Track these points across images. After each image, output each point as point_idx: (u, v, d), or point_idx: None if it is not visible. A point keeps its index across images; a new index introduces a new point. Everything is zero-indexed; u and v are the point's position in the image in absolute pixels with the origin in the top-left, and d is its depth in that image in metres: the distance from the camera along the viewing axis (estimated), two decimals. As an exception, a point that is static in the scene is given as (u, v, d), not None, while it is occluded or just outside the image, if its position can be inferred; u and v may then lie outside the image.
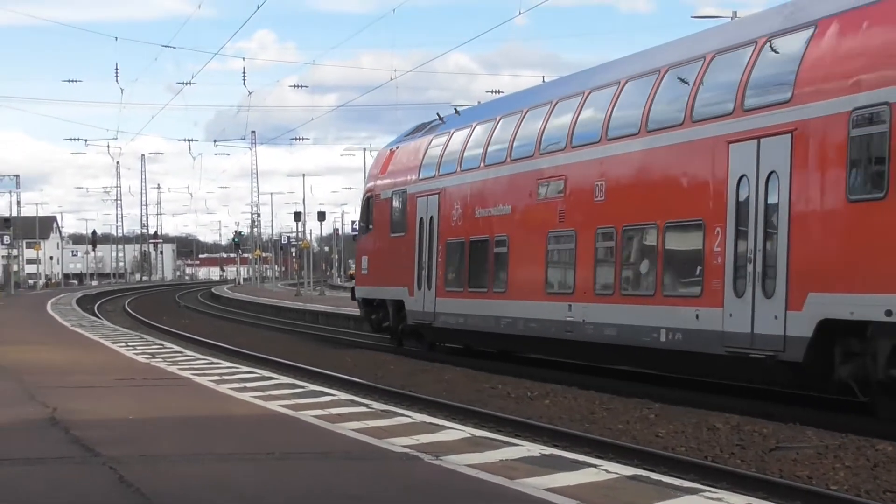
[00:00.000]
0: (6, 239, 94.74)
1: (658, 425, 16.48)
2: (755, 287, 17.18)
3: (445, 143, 29.00)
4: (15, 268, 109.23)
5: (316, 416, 14.18)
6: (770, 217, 17.08)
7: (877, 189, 15.12)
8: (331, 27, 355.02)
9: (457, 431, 13.25)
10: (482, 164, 26.61)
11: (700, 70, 19.36)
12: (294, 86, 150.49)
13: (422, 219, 29.19)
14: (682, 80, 19.81)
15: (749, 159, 17.51)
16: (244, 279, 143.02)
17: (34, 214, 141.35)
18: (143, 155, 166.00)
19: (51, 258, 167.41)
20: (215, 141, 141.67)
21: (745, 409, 17.24)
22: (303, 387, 18.63)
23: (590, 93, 22.94)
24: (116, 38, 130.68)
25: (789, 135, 16.69)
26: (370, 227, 32.91)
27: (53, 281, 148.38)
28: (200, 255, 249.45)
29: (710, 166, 18.46)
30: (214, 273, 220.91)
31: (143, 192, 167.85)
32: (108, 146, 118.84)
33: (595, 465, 10.87)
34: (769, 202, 17.11)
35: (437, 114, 31.32)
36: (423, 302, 28.74)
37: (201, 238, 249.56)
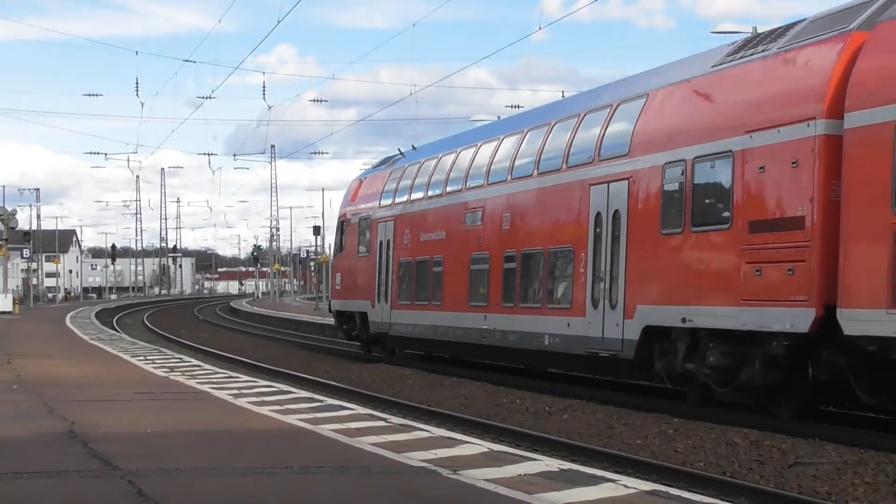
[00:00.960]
0: (26, 252, 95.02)
1: (677, 440, 16.45)
2: (605, 301, 21.62)
3: (400, 175, 33.37)
4: (34, 281, 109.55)
5: (334, 430, 14.18)
6: (615, 245, 21.47)
7: (677, 225, 19.60)
8: (350, 42, 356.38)
9: (475, 446, 13.24)
10: (426, 195, 30.97)
11: (575, 125, 23.88)
12: (314, 100, 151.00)
13: (381, 241, 33.45)
14: (563, 132, 24.26)
15: (602, 199, 21.95)
16: (263, 293, 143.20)
17: (54, 228, 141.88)
18: (162, 169, 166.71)
19: (70, 272, 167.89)
20: (235, 155, 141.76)
21: (764, 425, 17.20)
22: (321, 401, 18.64)
23: (503, 138, 27.52)
24: (137, 53, 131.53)
25: (627, 181, 21.20)
26: (343, 248, 37.51)
27: (72, 294, 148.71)
28: (219, 269, 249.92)
29: (578, 203, 22.92)
30: (233, 287, 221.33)
31: (163, 205, 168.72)
32: (128, 160, 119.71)
33: (613, 481, 10.85)
34: (614, 233, 21.50)
35: (399, 149, 35.75)
36: (381, 313, 32.96)
37: (220, 252, 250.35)
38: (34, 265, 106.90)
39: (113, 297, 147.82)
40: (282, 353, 37.56)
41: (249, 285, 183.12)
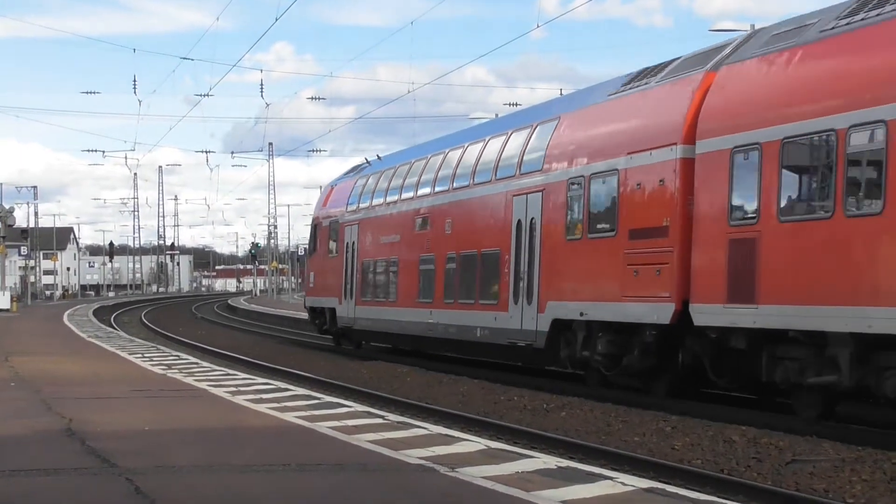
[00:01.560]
0: (23, 250, 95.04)
1: (674, 438, 16.46)
2: (523, 297, 24.82)
3: (364, 183, 36.77)
4: (32, 279, 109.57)
5: (332, 428, 14.19)
6: (531, 249, 24.65)
7: (578, 233, 22.95)
8: (348, 39, 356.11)
9: (472, 443, 13.25)
10: (384, 202, 34.19)
11: (504, 141, 27.11)
12: (311, 98, 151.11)
13: (347, 243, 36.86)
14: (494, 148, 27.51)
15: (522, 208, 25.17)
16: (261, 291, 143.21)
17: (52, 225, 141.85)
18: (160, 166, 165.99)
19: (68, 269, 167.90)
20: (232, 153, 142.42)
21: (761, 422, 17.22)
22: (319, 398, 18.65)
23: (448, 151, 30.69)
24: (134, 50, 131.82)
25: (541, 193, 24.40)
26: (315, 249, 41.01)
27: (70, 292, 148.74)
28: (217, 267, 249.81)
29: (504, 211, 26.08)
30: (231, 285, 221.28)
31: (161, 203, 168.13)
32: (126, 158, 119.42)
33: (611, 478, 10.86)
34: (531, 239, 24.68)
35: (366, 158, 39.33)
36: (347, 309, 36.33)
37: (218, 250, 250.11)
38: (32, 263, 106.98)
39: (111, 294, 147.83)
40: (279, 351, 37.57)
41: (247, 283, 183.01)
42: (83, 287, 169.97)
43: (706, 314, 18.92)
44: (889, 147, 15.69)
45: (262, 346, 40.76)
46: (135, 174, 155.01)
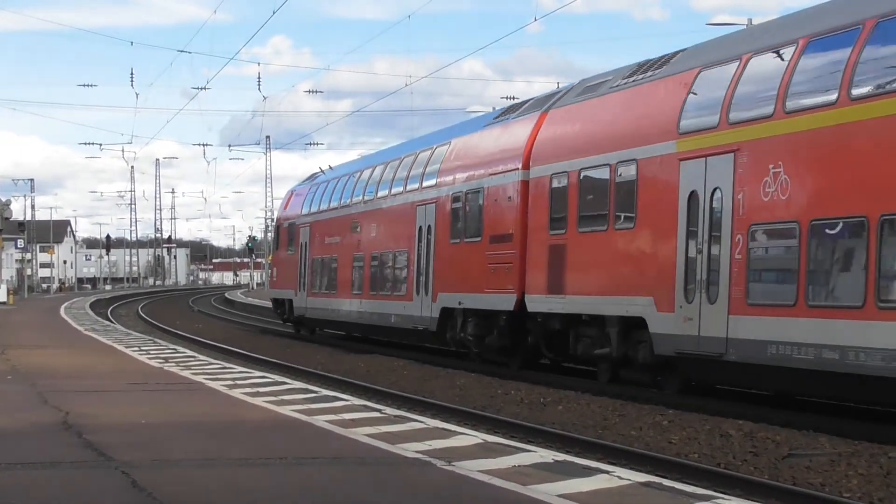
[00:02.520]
0: (20, 243, 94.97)
1: (671, 432, 16.46)
2: (423, 290, 30.05)
3: (316, 189, 42.48)
4: (29, 272, 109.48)
5: (329, 421, 14.19)
6: (428, 250, 29.94)
7: (458, 237, 28.31)
8: (346, 33, 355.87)
9: (469, 437, 13.25)
10: (329, 207, 39.86)
11: (413, 159, 32.60)
12: (309, 91, 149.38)
13: (302, 242, 42.32)
14: (407, 164, 32.86)
15: (423, 216, 30.54)
16: (258, 284, 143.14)
17: (48, 218, 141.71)
18: (157, 159, 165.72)
19: (64, 262, 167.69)
20: (230, 146, 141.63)
21: (758, 416, 17.23)
22: (316, 392, 18.65)
23: (377, 166, 36.29)
24: (132, 43, 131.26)
25: (435, 204, 29.87)
26: (278, 247, 47.19)
27: (67, 285, 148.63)
28: (214, 260, 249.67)
29: (410, 218, 31.41)
30: (228, 278, 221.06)
31: (158, 196, 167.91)
32: (123, 150, 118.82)
33: (608, 472, 10.86)
34: (428, 241, 30.03)
35: (320, 167, 45.82)
36: (301, 300, 41.74)
37: (215, 243, 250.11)
38: (29, 256, 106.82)
39: (107, 287, 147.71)
40: (276, 344, 37.58)
41: (244, 276, 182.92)
42: (80, 280, 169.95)
43: (535, 303, 24.32)
44: (639, 179, 20.88)
45: (258, 339, 40.78)
46: (132, 167, 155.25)
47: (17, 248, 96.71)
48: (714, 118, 19.11)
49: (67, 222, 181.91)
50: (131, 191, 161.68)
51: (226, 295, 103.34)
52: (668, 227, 19.82)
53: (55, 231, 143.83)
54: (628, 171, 21.11)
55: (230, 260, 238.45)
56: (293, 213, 44.63)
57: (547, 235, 23.75)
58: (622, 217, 21.30)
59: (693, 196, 19.33)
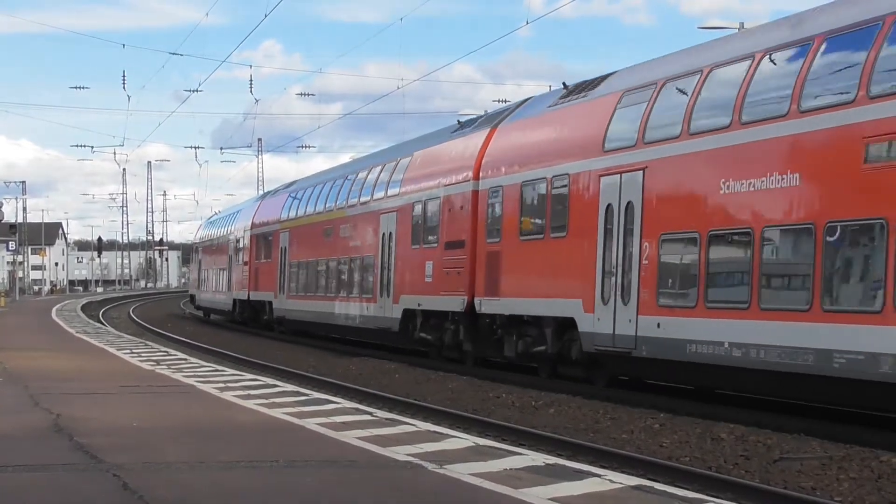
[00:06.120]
0: (11, 245, 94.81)
1: (662, 435, 16.48)
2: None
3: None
4: (20, 274, 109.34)
5: (320, 424, 14.18)
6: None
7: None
8: (337, 36, 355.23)
9: (461, 440, 13.24)
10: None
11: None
12: (300, 94, 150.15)
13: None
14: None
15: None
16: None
17: (40, 221, 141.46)
18: (149, 162, 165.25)
19: (56, 264, 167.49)
20: (221, 148, 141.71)
21: (749, 420, 17.25)
22: (307, 395, 18.64)
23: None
24: (124, 46, 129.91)
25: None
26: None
27: (58, 287, 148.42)
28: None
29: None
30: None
31: (149, 198, 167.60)
32: (115, 153, 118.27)
33: (599, 475, 10.86)
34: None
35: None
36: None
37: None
38: (20, 258, 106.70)
39: (99, 290, 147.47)
40: (268, 347, 37.56)
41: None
42: (71, 282, 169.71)
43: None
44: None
45: (249, 342, 40.73)
46: (123, 170, 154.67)
47: (8, 250, 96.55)
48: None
49: (59, 224, 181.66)
50: (123, 193, 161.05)
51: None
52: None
53: (47, 233, 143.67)
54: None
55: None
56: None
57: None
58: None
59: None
